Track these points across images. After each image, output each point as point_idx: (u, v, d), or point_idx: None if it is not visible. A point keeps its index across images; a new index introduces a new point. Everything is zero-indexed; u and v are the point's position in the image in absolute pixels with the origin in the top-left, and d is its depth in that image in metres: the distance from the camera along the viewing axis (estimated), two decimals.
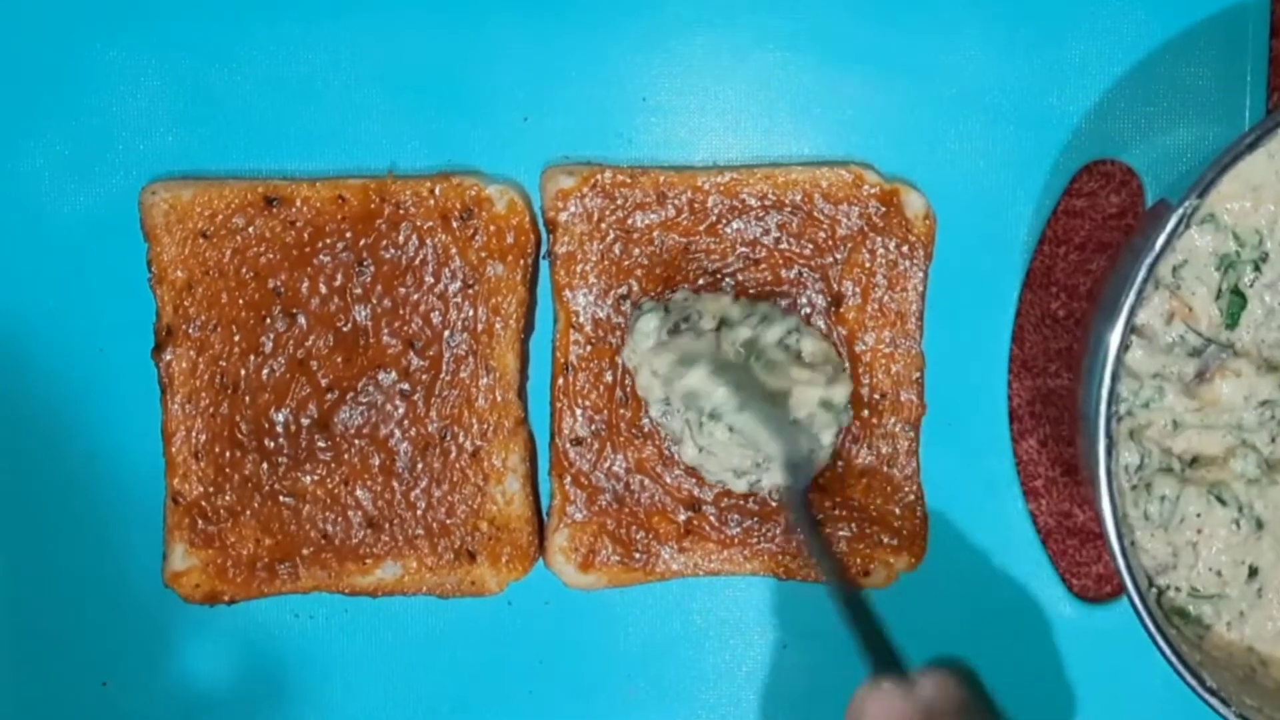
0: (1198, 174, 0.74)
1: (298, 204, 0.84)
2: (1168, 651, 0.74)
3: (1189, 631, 0.80)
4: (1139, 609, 0.74)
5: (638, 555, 0.86)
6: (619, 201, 0.85)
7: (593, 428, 0.85)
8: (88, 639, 0.89)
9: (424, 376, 0.85)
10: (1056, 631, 0.88)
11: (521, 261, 0.85)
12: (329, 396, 0.85)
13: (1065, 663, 0.88)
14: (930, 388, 0.86)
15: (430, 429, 0.85)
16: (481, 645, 0.89)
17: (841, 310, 0.85)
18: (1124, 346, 0.75)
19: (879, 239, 0.84)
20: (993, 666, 0.87)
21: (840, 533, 0.86)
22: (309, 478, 0.86)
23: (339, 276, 0.85)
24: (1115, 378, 0.74)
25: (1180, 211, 0.73)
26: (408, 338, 0.85)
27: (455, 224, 0.85)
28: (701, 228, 0.85)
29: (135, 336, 0.86)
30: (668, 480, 0.86)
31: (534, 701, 0.89)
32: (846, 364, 0.85)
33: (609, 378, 0.85)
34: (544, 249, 0.86)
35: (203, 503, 0.86)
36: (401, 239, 0.85)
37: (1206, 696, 0.74)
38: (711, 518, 0.86)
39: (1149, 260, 0.73)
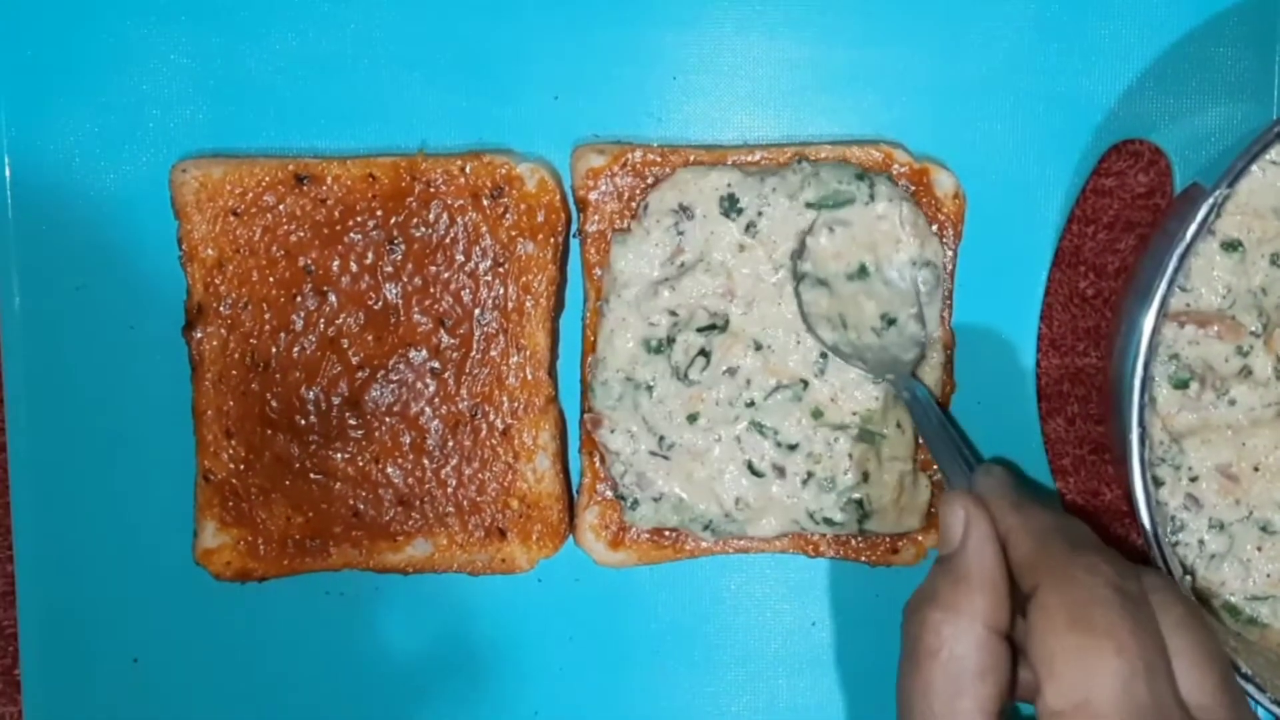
0: (1230, 159, 0.74)
1: (328, 182, 0.84)
2: None
3: (1232, 623, 0.81)
4: None
5: (668, 533, 0.86)
6: (649, 180, 0.85)
7: None
8: (118, 616, 0.89)
9: (454, 354, 0.85)
10: None
11: (552, 240, 0.85)
12: (360, 375, 0.85)
13: None
14: (959, 366, 0.86)
15: (461, 407, 0.86)
16: (512, 622, 0.89)
17: None
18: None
19: None
20: None
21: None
22: (340, 455, 0.86)
23: (370, 255, 0.85)
24: (1149, 363, 0.74)
25: (1212, 200, 0.73)
26: (438, 316, 0.85)
27: (486, 202, 0.85)
28: None
29: (166, 314, 0.86)
30: None
31: (564, 678, 0.89)
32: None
33: None
34: (574, 227, 0.86)
35: (234, 480, 0.86)
36: (432, 217, 0.85)
37: (1242, 683, 0.74)
38: None
39: (1181, 249, 0.73)
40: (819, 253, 0.82)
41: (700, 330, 0.82)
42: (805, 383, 0.82)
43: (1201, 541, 0.81)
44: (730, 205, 0.82)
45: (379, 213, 0.85)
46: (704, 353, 0.82)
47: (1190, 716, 0.63)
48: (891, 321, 0.83)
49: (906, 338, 0.83)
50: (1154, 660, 0.62)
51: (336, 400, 0.85)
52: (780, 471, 0.83)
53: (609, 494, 0.86)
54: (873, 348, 0.83)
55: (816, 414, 0.82)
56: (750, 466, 0.83)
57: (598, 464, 0.86)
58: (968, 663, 0.65)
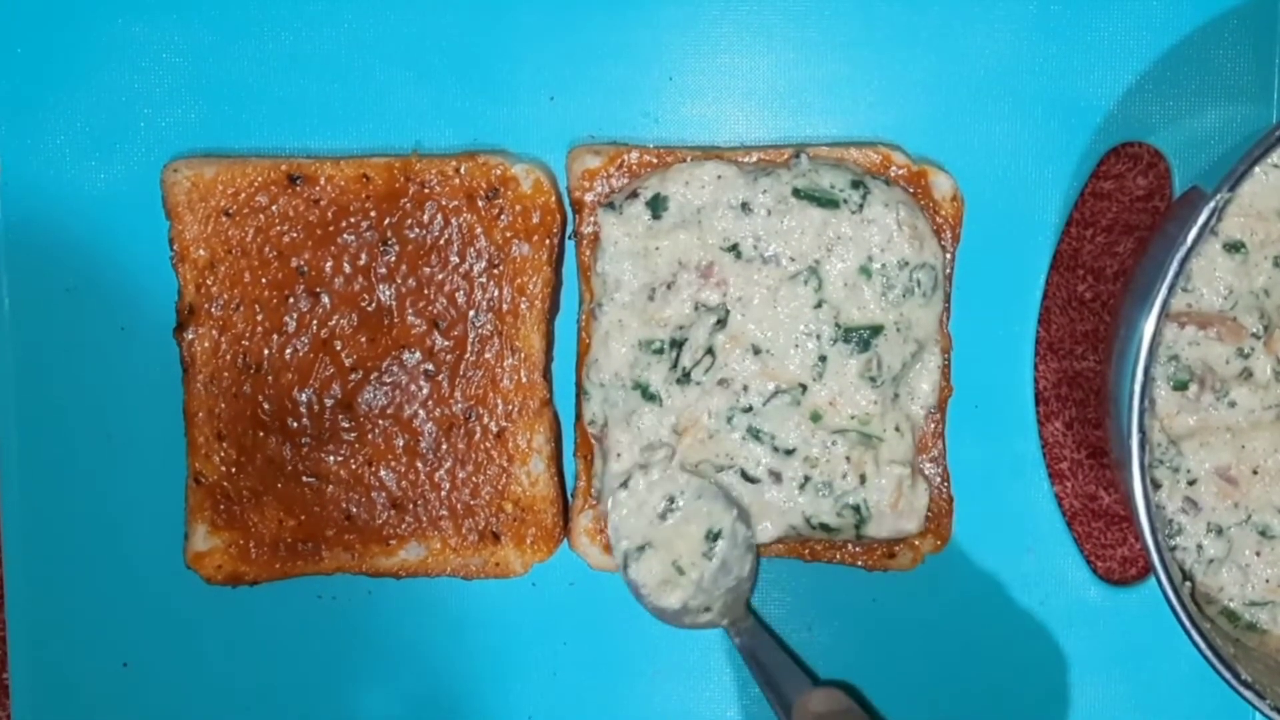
0: (1230, 163, 0.74)
1: (321, 182, 0.84)
2: (1202, 645, 0.74)
3: (1231, 629, 0.80)
4: (1173, 603, 0.74)
5: None
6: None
7: None
8: (108, 620, 0.88)
9: (448, 357, 0.85)
10: (1081, 614, 0.88)
11: (547, 241, 0.85)
12: (353, 377, 0.85)
13: (1090, 645, 0.88)
14: (956, 370, 0.85)
15: (455, 409, 0.85)
16: (505, 627, 0.88)
17: None
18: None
19: None
20: (1017, 648, 0.88)
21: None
22: (332, 458, 0.85)
23: (363, 256, 0.84)
24: (1149, 367, 0.73)
25: (1213, 204, 0.73)
26: (432, 318, 0.85)
27: (481, 203, 0.84)
28: None
29: (157, 316, 0.85)
30: None
31: (557, 682, 0.89)
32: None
33: None
34: (569, 229, 0.86)
35: (225, 483, 0.85)
36: (426, 218, 0.84)
37: (1241, 690, 0.74)
38: None
39: (1182, 253, 0.73)
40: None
41: (703, 326, 0.81)
42: (804, 387, 0.82)
43: (1200, 546, 0.80)
44: (728, 201, 0.82)
45: (372, 213, 0.84)
46: (710, 352, 0.82)
47: None
48: (716, 536, 0.83)
49: (740, 543, 0.83)
50: None
51: (329, 402, 0.85)
52: (777, 477, 0.82)
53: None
54: (710, 581, 0.83)
55: (815, 418, 0.82)
56: (744, 474, 0.82)
57: (593, 468, 0.85)
58: None
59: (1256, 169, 0.76)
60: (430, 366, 0.85)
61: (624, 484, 0.82)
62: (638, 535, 0.83)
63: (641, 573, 0.83)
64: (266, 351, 0.85)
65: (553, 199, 0.84)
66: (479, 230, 0.84)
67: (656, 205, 0.82)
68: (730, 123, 0.87)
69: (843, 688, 0.86)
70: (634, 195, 0.82)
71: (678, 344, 0.82)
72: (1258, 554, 0.81)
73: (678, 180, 0.82)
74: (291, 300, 0.84)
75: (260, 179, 0.84)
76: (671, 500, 0.82)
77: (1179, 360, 0.79)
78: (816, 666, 0.89)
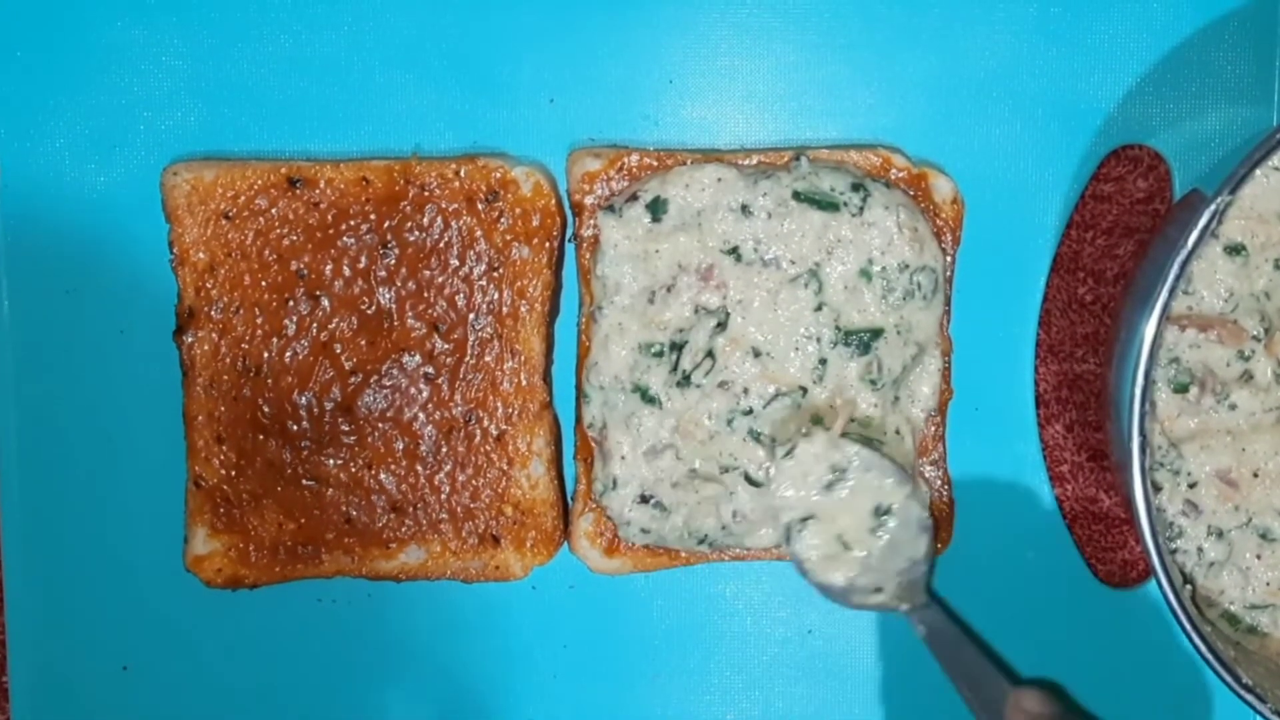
0: (1231, 166, 0.74)
1: (321, 185, 0.84)
2: (1203, 648, 0.74)
3: (1231, 632, 0.80)
4: (1174, 606, 0.74)
5: None
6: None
7: None
8: (108, 623, 0.88)
9: (448, 360, 0.85)
10: (1082, 616, 0.88)
11: (547, 244, 0.84)
12: (352, 380, 0.85)
13: (1090, 647, 0.88)
14: (957, 373, 0.85)
15: (455, 412, 0.85)
16: (505, 630, 0.88)
17: None
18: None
19: None
20: (1018, 651, 0.87)
21: None
22: (332, 461, 0.85)
23: (363, 259, 0.84)
24: (1149, 370, 0.73)
25: (1213, 207, 0.73)
26: (432, 321, 0.84)
27: (480, 206, 0.84)
28: None
29: (157, 319, 0.85)
30: None
31: (558, 686, 0.89)
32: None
33: None
34: (569, 232, 0.86)
35: (225, 487, 0.85)
36: (426, 221, 0.84)
37: (1242, 693, 0.74)
38: None
39: (1183, 256, 0.73)
40: None
41: (703, 329, 0.81)
42: (804, 389, 0.82)
43: (1200, 549, 0.80)
44: (728, 204, 0.81)
45: (372, 216, 0.84)
46: (710, 355, 0.81)
47: None
48: (885, 512, 0.81)
49: (912, 524, 0.81)
50: None
51: (329, 405, 0.85)
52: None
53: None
54: (880, 560, 0.80)
55: (816, 421, 0.82)
56: (747, 478, 0.82)
57: (593, 471, 0.85)
58: None
59: (1257, 172, 0.76)
60: (430, 369, 0.85)
61: (788, 452, 0.79)
62: (801, 506, 0.80)
63: (804, 546, 0.80)
64: (266, 354, 0.84)
65: (552, 202, 0.84)
66: (479, 233, 0.84)
67: (656, 208, 0.82)
68: (730, 125, 0.86)
69: (1050, 688, 0.84)
70: (634, 198, 0.82)
71: (678, 347, 0.82)
72: (1258, 557, 0.81)
73: (678, 183, 0.82)
74: (291, 303, 0.84)
75: (260, 182, 0.84)
76: (838, 471, 0.80)
77: (1179, 363, 0.79)
78: (816, 669, 0.89)
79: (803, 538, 0.80)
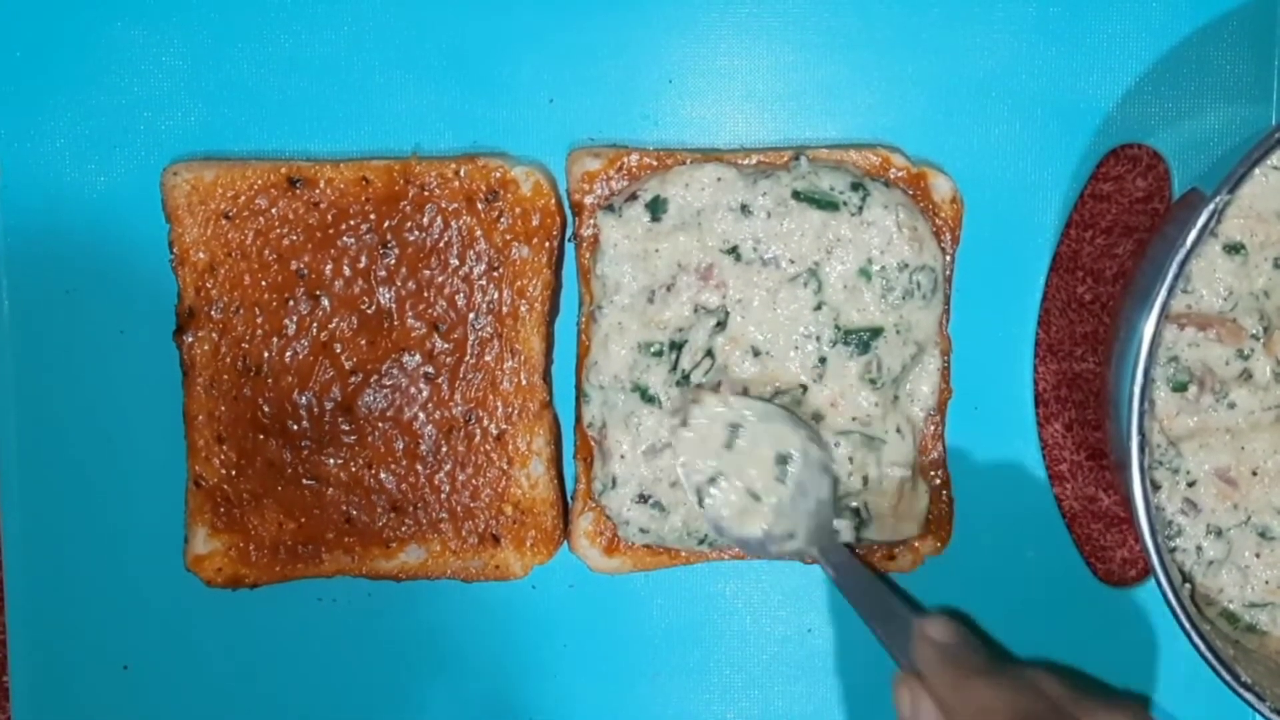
0: (1230, 165, 0.74)
1: (321, 185, 0.84)
2: (1202, 647, 0.74)
3: (1230, 630, 0.80)
4: (1173, 605, 0.74)
5: None
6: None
7: None
8: (108, 623, 0.88)
9: (448, 359, 0.85)
10: (1081, 615, 0.88)
11: (547, 244, 0.84)
12: (353, 379, 0.85)
13: (1090, 646, 0.88)
14: (956, 372, 0.85)
15: (455, 412, 0.85)
16: (505, 629, 0.88)
17: None
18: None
19: None
20: (1017, 649, 0.88)
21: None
22: (332, 461, 0.85)
23: (363, 258, 0.84)
24: (1148, 369, 0.73)
25: (1212, 206, 0.73)
26: (432, 320, 0.85)
27: (480, 206, 0.84)
28: None
29: (157, 319, 0.85)
30: None
31: (558, 685, 0.89)
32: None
33: None
34: (569, 231, 0.86)
35: (225, 486, 0.85)
36: (426, 221, 0.84)
37: (1241, 691, 0.74)
38: None
39: (1181, 255, 0.73)
40: None
41: (703, 328, 0.81)
42: (804, 388, 0.82)
43: (1199, 548, 0.81)
44: (728, 204, 0.81)
45: (372, 216, 0.84)
46: (710, 354, 0.81)
47: None
48: (786, 459, 0.81)
49: (814, 464, 0.81)
50: None
51: (329, 405, 0.85)
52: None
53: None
54: (790, 505, 0.81)
55: (816, 419, 0.82)
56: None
57: (593, 471, 0.85)
58: None
59: (1256, 171, 0.76)
60: (430, 369, 0.85)
61: (683, 422, 0.80)
62: (707, 467, 0.81)
63: (717, 504, 0.81)
64: (266, 354, 0.84)
65: (552, 201, 0.84)
66: (479, 233, 0.84)
67: (656, 207, 0.82)
68: (730, 125, 0.87)
69: (952, 614, 0.84)
70: (633, 197, 0.82)
71: (677, 346, 0.82)
72: (1257, 555, 0.81)
73: (677, 182, 0.82)
74: (291, 303, 0.84)
75: (260, 182, 0.84)
76: (735, 427, 0.81)
77: (1178, 362, 0.79)
78: (816, 668, 0.89)
79: (715, 496, 0.81)
